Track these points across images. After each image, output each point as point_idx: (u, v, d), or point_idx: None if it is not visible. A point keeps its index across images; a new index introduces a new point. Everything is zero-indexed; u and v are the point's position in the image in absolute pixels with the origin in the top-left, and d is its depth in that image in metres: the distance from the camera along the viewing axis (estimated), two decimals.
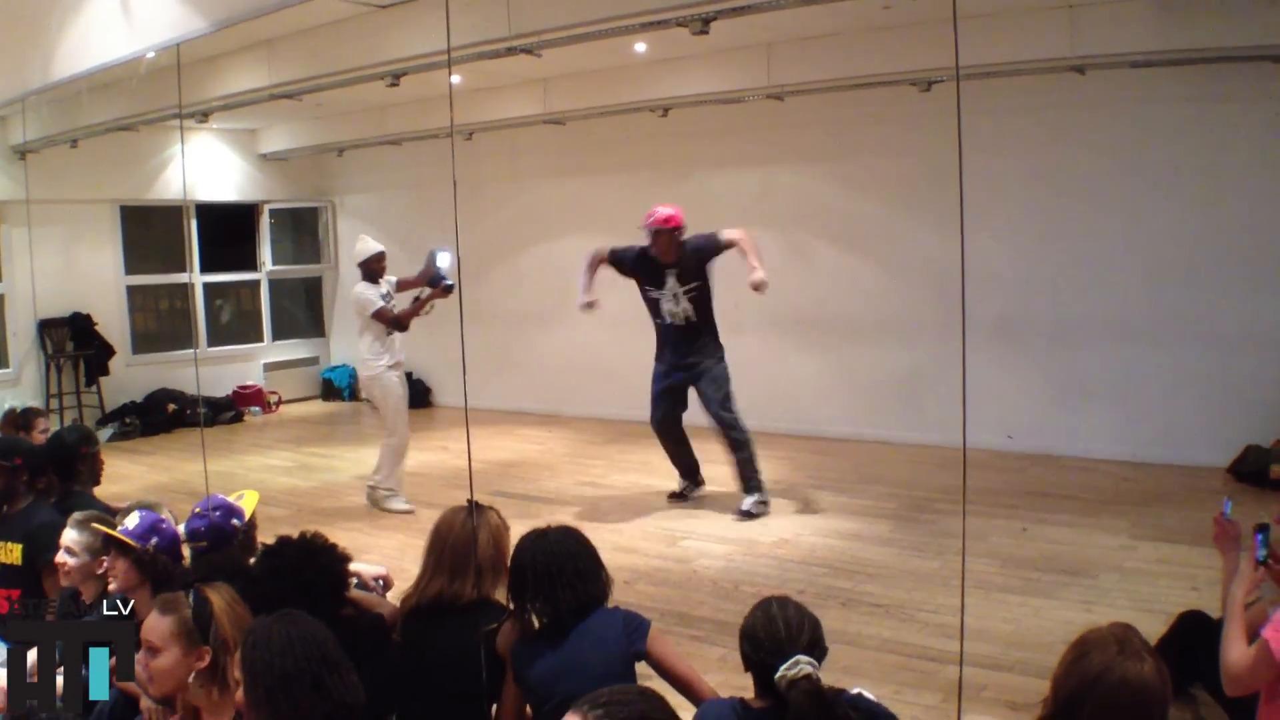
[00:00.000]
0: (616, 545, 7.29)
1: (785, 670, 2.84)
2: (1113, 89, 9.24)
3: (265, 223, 15.07)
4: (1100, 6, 8.29)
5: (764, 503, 8.42)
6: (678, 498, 8.97)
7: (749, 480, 8.43)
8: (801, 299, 11.05)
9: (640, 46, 9.47)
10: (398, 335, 9.05)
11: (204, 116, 10.96)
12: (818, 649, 2.94)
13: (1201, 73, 8.73)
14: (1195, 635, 4.37)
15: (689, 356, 8.52)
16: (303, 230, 15.82)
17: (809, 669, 2.85)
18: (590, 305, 8.77)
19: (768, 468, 8.52)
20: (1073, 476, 9.17)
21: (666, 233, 8.30)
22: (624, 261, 8.70)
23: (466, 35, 7.51)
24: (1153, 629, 4.56)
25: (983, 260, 9.74)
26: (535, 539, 3.76)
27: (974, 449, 9.71)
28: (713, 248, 8.35)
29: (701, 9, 7.05)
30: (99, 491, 6.17)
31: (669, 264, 8.36)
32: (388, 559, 6.55)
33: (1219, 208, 9.08)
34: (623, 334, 12.46)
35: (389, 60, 8.42)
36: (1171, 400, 9.39)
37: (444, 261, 8.89)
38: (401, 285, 9.23)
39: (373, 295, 8.94)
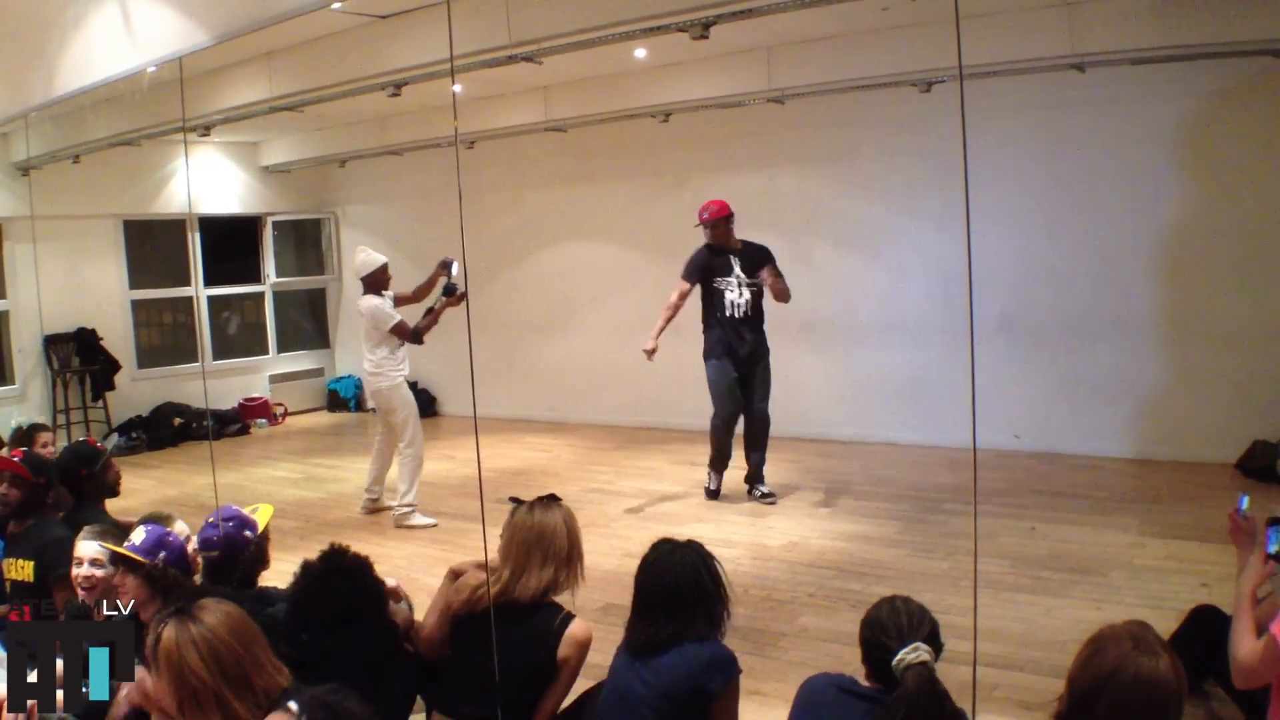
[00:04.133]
0: (625, 551, 7.27)
1: (905, 654, 2.95)
2: (1113, 86, 9.23)
3: (268, 235, 15.08)
4: (1099, 4, 8.29)
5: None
6: (716, 494, 9.09)
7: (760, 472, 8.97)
8: (805, 302, 11.04)
9: (640, 52, 9.48)
10: (407, 346, 8.99)
11: (206, 130, 10.97)
12: (935, 643, 3.05)
13: (1201, 68, 8.74)
14: (1208, 630, 4.36)
15: (749, 349, 8.82)
16: (306, 242, 15.84)
17: (927, 656, 2.96)
18: (651, 353, 8.95)
19: (775, 470, 8.54)
20: (1080, 475, 9.17)
21: (724, 220, 8.74)
22: (694, 268, 8.93)
23: (467, 44, 7.51)
24: (1164, 626, 4.55)
25: (986, 260, 9.73)
26: (686, 552, 3.73)
27: (981, 449, 9.71)
28: (764, 259, 8.75)
29: (701, 13, 7.05)
30: (117, 503, 6.18)
31: (734, 250, 8.76)
32: (398, 569, 6.56)
33: (1222, 203, 9.09)
34: (628, 340, 12.48)
35: (390, 70, 8.43)
36: (1178, 397, 9.39)
37: (455, 270, 8.84)
38: (399, 300, 9.15)
39: (390, 308, 8.90)
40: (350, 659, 3.58)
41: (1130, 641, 2.67)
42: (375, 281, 8.97)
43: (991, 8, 8.36)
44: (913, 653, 2.95)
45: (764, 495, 8.81)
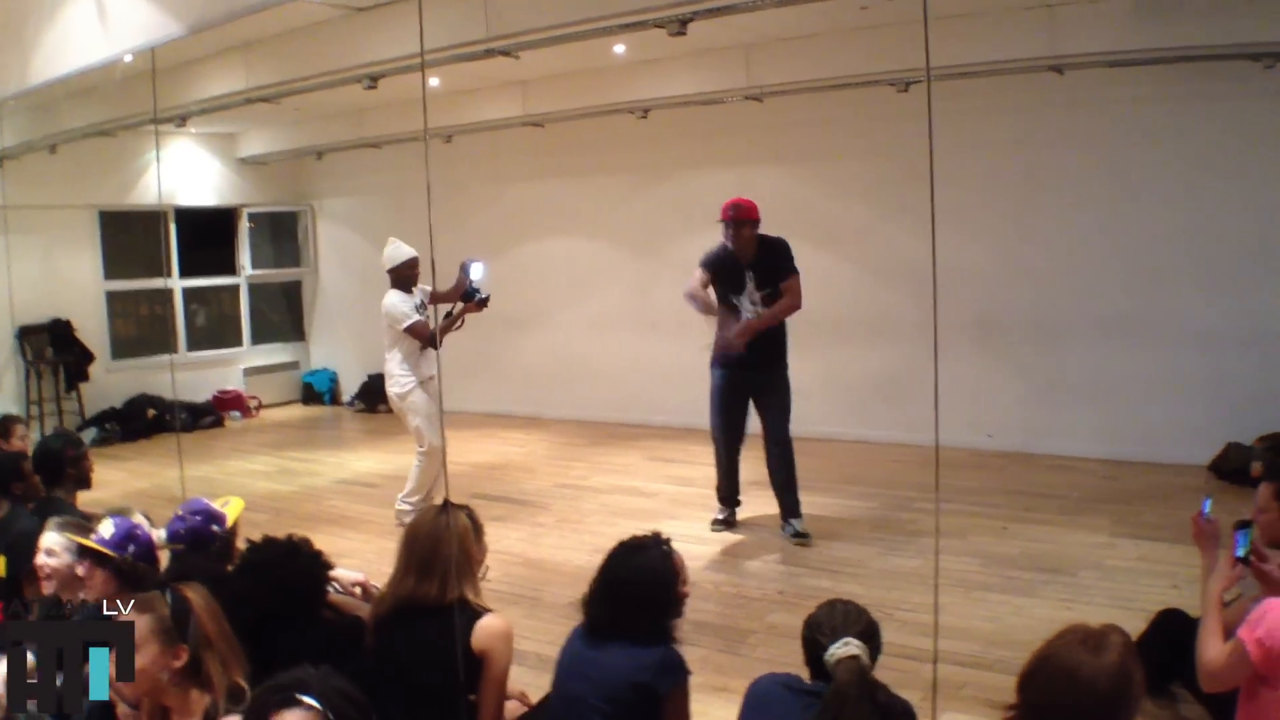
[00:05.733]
0: (596, 547, 7.20)
1: (835, 648, 3.05)
2: (1091, 88, 9.26)
3: (244, 227, 15.04)
4: (1078, 6, 8.31)
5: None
6: (726, 525, 8.20)
7: (795, 501, 7.96)
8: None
9: (619, 48, 9.46)
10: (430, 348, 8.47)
11: (182, 121, 10.90)
12: (871, 642, 3.15)
13: (1179, 72, 8.75)
14: (1174, 633, 4.39)
15: (758, 357, 7.73)
16: (282, 234, 15.76)
17: (857, 650, 3.04)
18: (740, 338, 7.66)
19: (748, 467, 8.36)
20: (1053, 475, 9.20)
21: (748, 225, 7.70)
22: (711, 261, 7.91)
23: (443, 37, 7.49)
24: (1133, 626, 4.58)
25: (962, 259, 9.75)
26: (655, 552, 3.79)
27: (954, 448, 9.73)
28: (785, 262, 7.79)
29: (678, 10, 7.04)
30: (88, 494, 6.17)
31: (749, 263, 7.73)
32: (367, 564, 6.52)
33: (1197, 206, 9.12)
34: (604, 336, 12.51)
35: (366, 63, 8.38)
36: (1152, 398, 9.43)
37: (477, 274, 8.34)
38: (434, 298, 8.57)
39: (407, 308, 8.26)
40: (306, 650, 3.55)
41: (1079, 637, 2.68)
42: (401, 276, 8.40)
43: (970, 8, 8.37)
44: (843, 647, 3.05)
45: (796, 535, 7.75)
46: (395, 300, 8.32)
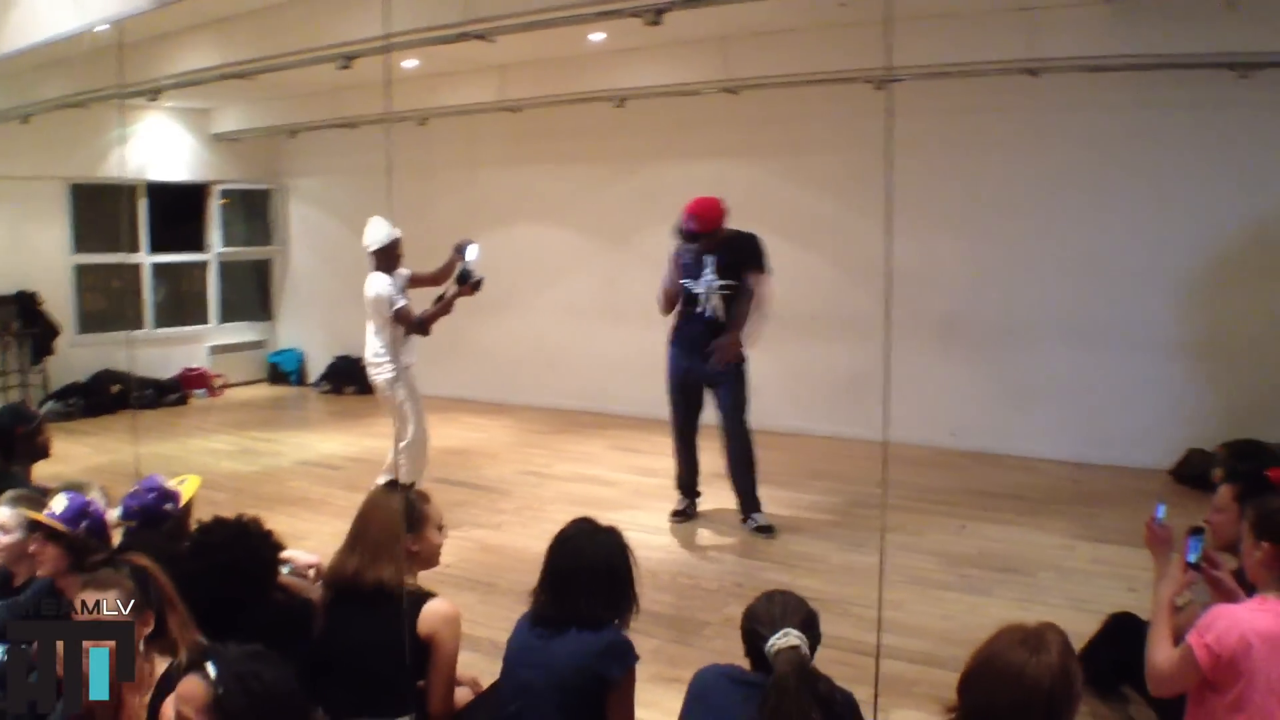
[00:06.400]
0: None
1: (775, 639, 3.07)
2: (1066, 92, 9.27)
3: (215, 204, 14.93)
4: (1056, 10, 8.32)
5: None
6: (685, 516, 8.19)
7: (753, 495, 7.95)
8: None
9: (597, 36, 9.43)
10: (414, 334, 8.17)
11: (154, 95, 10.81)
12: (811, 632, 3.17)
13: (1154, 78, 8.76)
14: (1125, 636, 4.40)
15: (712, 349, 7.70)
16: (254, 212, 15.65)
17: (797, 641, 3.07)
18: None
19: (712, 461, 8.31)
20: (1015, 476, 9.24)
21: (708, 235, 7.60)
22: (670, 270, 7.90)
23: (418, 19, 7.45)
24: (1087, 628, 4.63)
25: (932, 259, 9.78)
26: (606, 536, 3.80)
27: (917, 446, 9.77)
28: (753, 257, 7.77)
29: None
30: (50, 468, 6.15)
31: (711, 249, 7.65)
32: (324, 545, 6.49)
33: (1168, 213, 9.15)
34: (572, 324, 12.49)
35: (339, 43, 8.32)
36: (1115, 402, 9.46)
37: (473, 255, 8.10)
38: (415, 281, 8.30)
39: (394, 293, 7.93)
40: (255, 632, 3.55)
41: (1019, 636, 2.69)
42: (385, 258, 8.03)
43: (947, 8, 8.39)
44: (783, 638, 3.07)
45: (759, 528, 7.75)
46: (384, 284, 7.96)
